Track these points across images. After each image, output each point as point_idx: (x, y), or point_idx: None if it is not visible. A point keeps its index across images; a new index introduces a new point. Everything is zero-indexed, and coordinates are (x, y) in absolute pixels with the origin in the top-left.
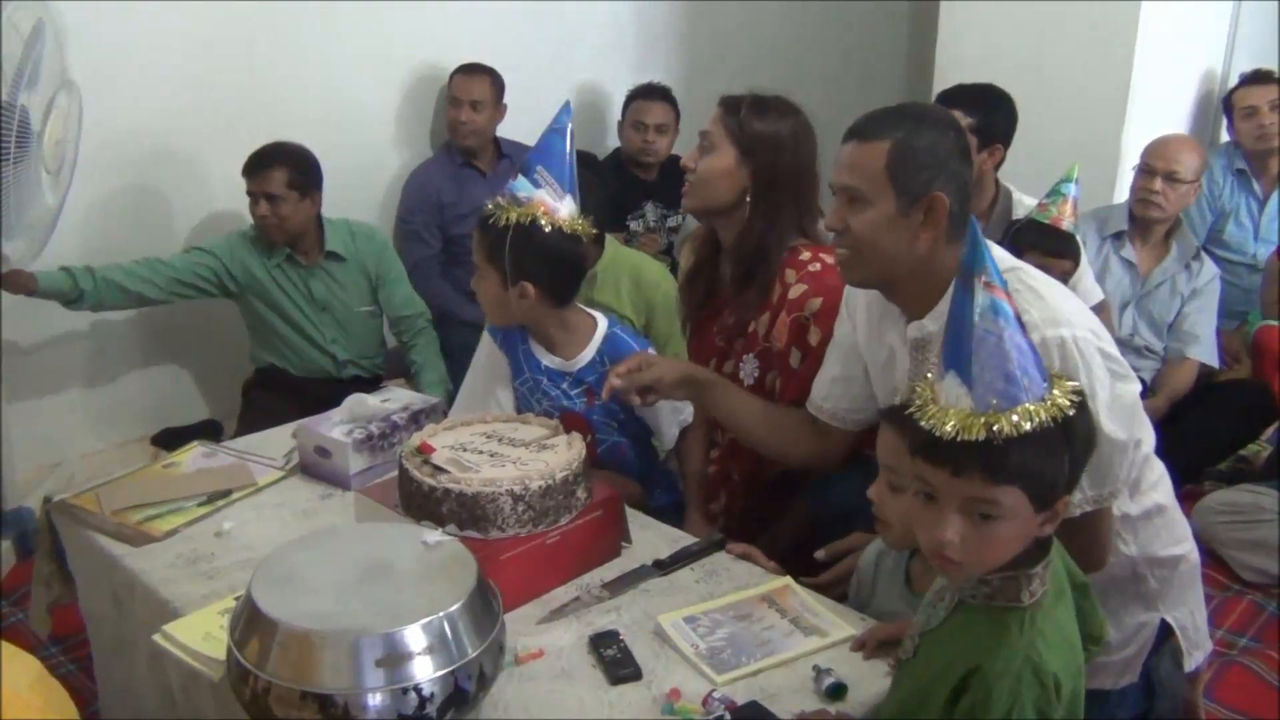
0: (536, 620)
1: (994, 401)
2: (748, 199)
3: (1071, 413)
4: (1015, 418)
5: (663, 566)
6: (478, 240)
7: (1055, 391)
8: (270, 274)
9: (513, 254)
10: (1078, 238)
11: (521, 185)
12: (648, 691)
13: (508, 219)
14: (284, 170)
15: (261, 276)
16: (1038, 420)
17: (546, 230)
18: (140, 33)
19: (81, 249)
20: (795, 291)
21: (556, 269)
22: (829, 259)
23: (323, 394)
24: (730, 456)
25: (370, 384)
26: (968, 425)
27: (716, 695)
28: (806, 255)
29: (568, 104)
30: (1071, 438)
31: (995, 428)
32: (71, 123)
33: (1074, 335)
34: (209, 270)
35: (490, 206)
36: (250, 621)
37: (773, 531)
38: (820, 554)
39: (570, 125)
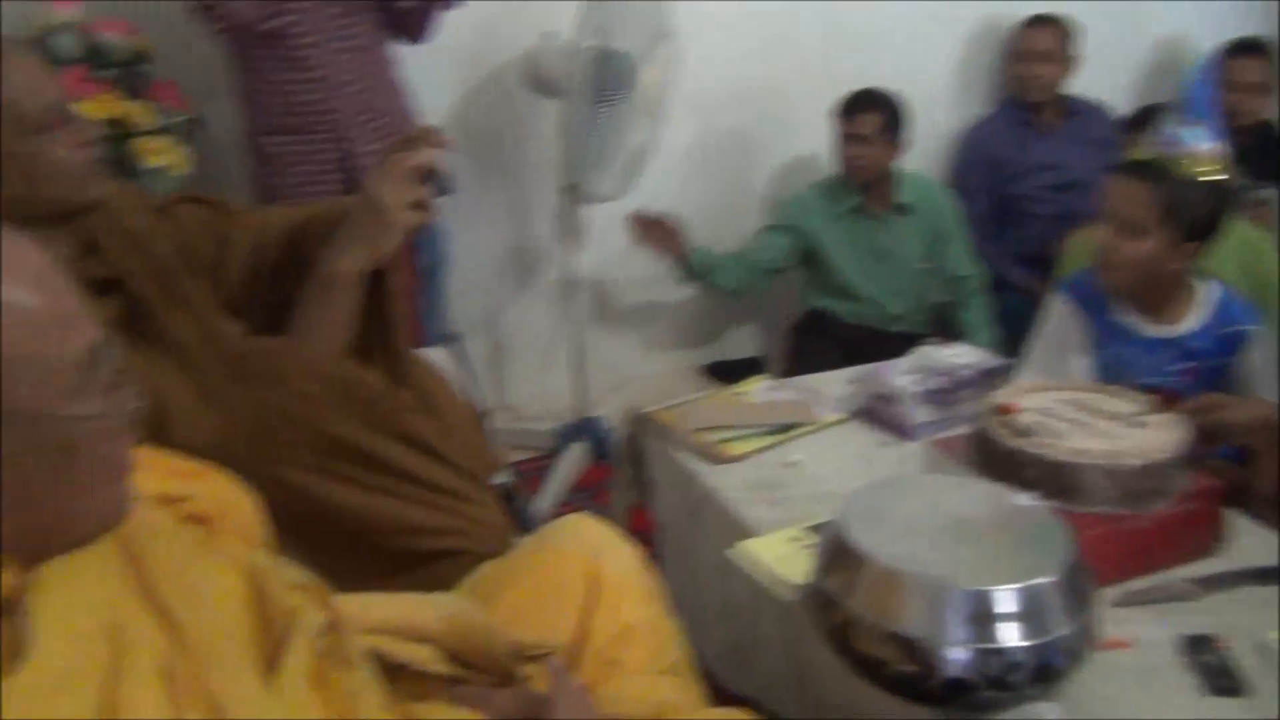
0: (1113, 602)
1: None
2: None
3: None
4: None
5: (1267, 576)
6: (1146, 195)
7: None
8: (836, 224)
9: (1196, 211)
10: None
11: (1192, 136)
12: (1249, 711)
13: (1192, 173)
14: (878, 114)
15: (828, 228)
16: None
17: (1217, 186)
18: None
19: (678, 188)
20: None
21: (1218, 227)
22: None
23: (869, 344)
24: None
25: (915, 341)
26: None
27: None
28: None
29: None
30: None
31: None
32: (667, 70)
33: None
34: (783, 250)
35: (1161, 157)
36: (838, 552)
37: None
38: None
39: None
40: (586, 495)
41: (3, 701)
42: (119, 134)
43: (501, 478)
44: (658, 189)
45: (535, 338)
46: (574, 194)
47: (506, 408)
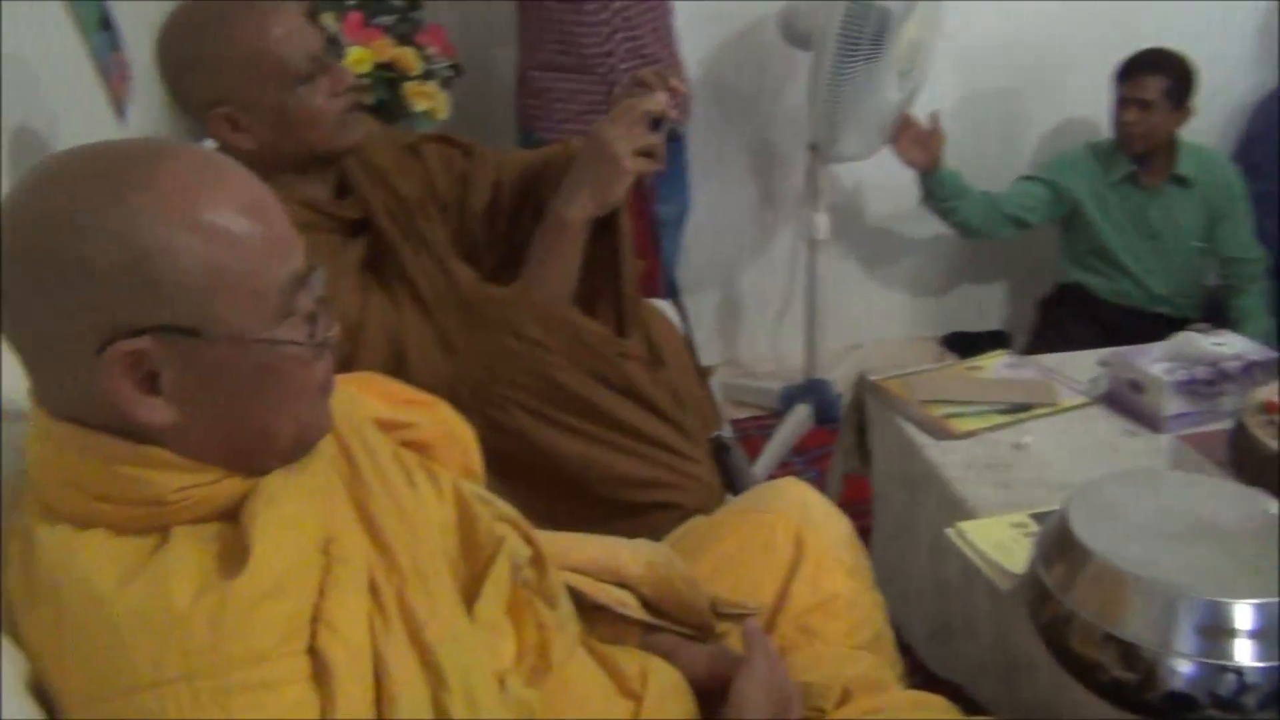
0: None
1: None
2: None
3: None
4: None
5: None
6: None
7: None
8: (1105, 191)
9: None
10: None
11: None
12: None
13: None
14: (1163, 77)
15: (1095, 194)
16: None
17: None
18: None
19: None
20: None
21: None
22: None
23: (1125, 324)
24: None
25: (1177, 325)
26: None
27: None
28: None
29: None
30: None
31: None
32: (929, 28)
33: None
34: (1037, 202)
35: None
36: (1061, 544)
37: None
38: None
39: None
40: (806, 459)
41: (225, 604)
42: (390, 78)
43: (720, 434)
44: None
45: (771, 295)
46: (820, 152)
47: (736, 363)
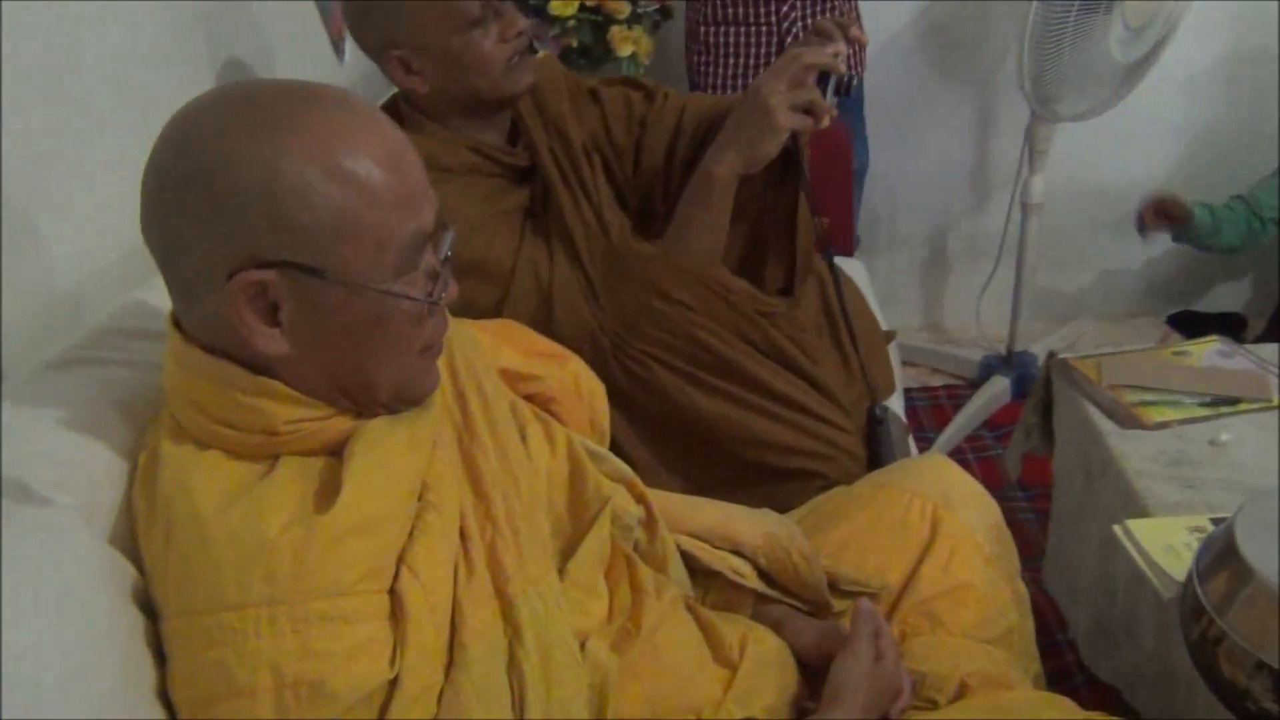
0: None
1: None
2: None
3: None
4: None
5: None
6: None
7: None
8: None
9: None
10: None
11: None
12: None
13: None
14: None
15: None
16: None
17: None
18: None
19: (1181, 116)
20: None
21: None
22: None
23: None
24: None
25: None
26: None
27: None
28: None
29: None
30: None
31: None
32: None
33: None
34: None
35: None
36: (1223, 556)
37: None
38: None
39: None
40: (997, 434)
41: (311, 536)
42: (596, 21)
43: (875, 405)
44: (1153, 114)
45: (981, 258)
46: (1044, 108)
47: (938, 328)
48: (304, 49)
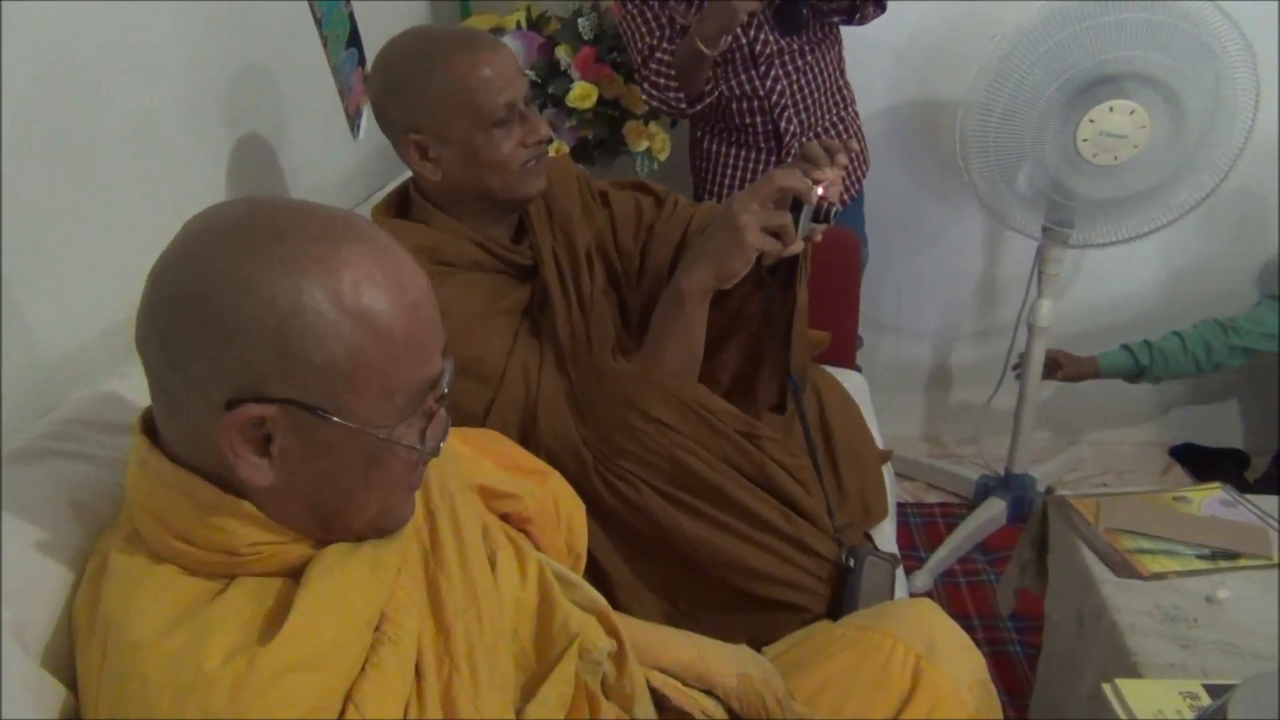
0: None
1: None
2: None
3: None
4: None
5: None
6: None
7: None
8: None
9: None
10: None
11: None
12: None
13: None
14: None
15: None
16: None
17: None
18: None
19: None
20: None
21: None
22: None
23: None
24: None
25: None
26: None
27: None
28: None
29: None
30: None
31: None
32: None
33: None
34: None
35: None
36: None
37: None
38: None
39: None
40: (992, 558)
41: (251, 670)
42: (612, 115)
43: (853, 549)
44: (1161, 246)
45: (984, 376)
46: (1054, 233)
47: (936, 441)
48: (320, 123)
